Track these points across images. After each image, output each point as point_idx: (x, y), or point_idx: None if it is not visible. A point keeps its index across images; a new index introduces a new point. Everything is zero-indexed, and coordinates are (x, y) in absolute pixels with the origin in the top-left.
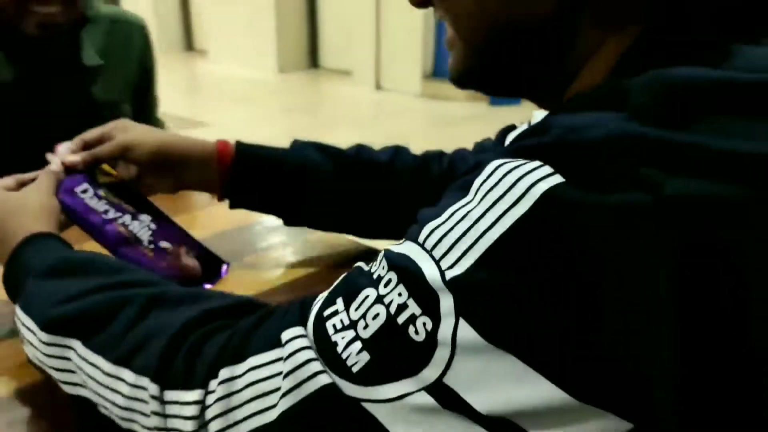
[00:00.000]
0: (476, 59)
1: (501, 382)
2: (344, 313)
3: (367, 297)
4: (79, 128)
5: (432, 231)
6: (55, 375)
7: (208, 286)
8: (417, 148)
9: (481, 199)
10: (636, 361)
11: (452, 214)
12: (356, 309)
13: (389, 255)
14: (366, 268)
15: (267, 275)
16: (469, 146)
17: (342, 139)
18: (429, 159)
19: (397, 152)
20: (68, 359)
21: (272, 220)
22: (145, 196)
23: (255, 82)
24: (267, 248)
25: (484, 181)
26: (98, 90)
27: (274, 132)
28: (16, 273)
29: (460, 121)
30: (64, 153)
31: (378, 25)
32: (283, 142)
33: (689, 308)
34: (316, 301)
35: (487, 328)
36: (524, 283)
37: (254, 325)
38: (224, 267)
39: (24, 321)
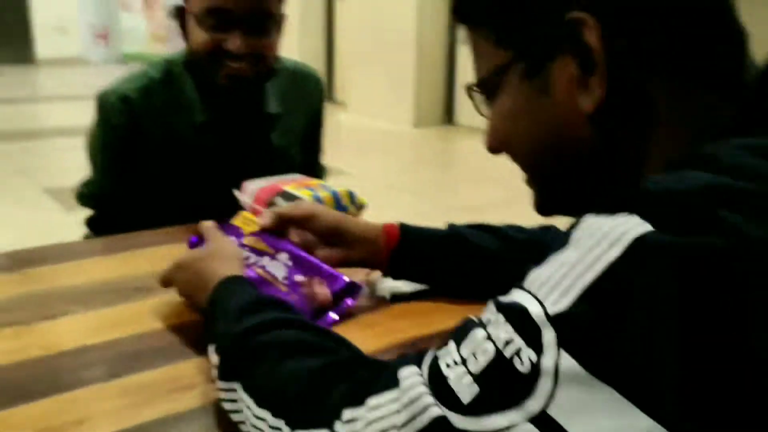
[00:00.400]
0: (547, 192)
1: (600, 413)
2: (455, 352)
3: (476, 337)
4: (257, 170)
5: (535, 277)
6: (233, 417)
7: (333, 314)
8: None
9: (578, 248)
10: (728, 393)
11: (553, 262)
12: (467, 348)
13: (497, 301)
14: (476, 318)
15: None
16: None
17: (474, 195)
18: None
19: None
20: (235, 401)
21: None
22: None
23: (391, 135)
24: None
25: (581, 233)
26: (275, 136)
27: (407, 183)
28: (212, 313)
29: None
30: (250, 195)
31: None
32: (416, 193)
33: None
34: (430, 350)
35: (587, 358)
36: (621, 319)
37: (375, 371)
38: (359, 291)
39: (212, 359)
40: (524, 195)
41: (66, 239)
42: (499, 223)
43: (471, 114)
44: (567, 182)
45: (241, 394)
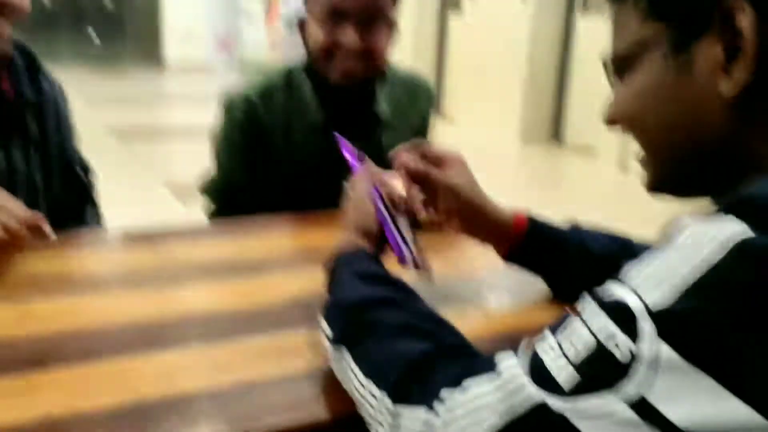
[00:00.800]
0: (664, 172)
1: (697, 400)
2: (551, 338)
3: (572, 324)
4: None
5: (636, 272)
6: (338, 376)
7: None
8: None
9: (682, 249)
10: None
11: (653, 260)
12: (562, 334)
13: (593, 293)
14: (571, 311)
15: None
16: None
17: (577, 215)
18: None
19: None
20: (342, 365)
21: None
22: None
23: (498, 150)
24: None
25: (682, 235)
26: (386, 139)
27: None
28: (334, 272)
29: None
30: (410, 159)
31: None
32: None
33: None
34: (528, 339)
35: (686, 349)
36: (721, 314)
37: (474, 358)
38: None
39: (323, 323)
40: (628, 216)
41: None
42: None
43: (578, 133)
44: (689, 165)
45: (349, 361)
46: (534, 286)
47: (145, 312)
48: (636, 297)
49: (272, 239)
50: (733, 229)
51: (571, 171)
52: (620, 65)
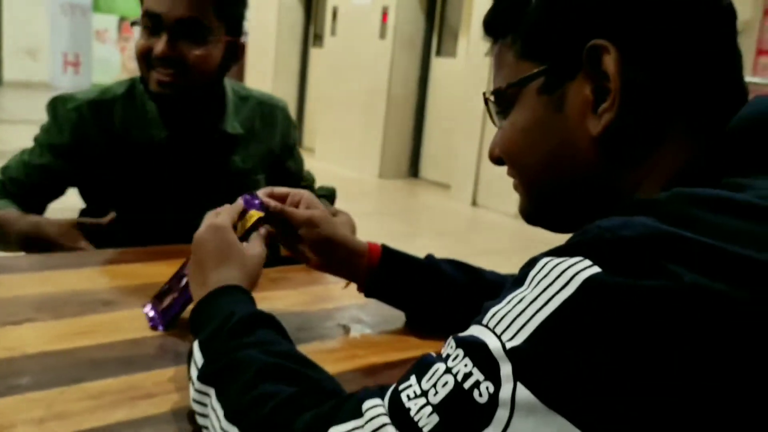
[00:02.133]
0: (540, 205)
1: None
2: (416, 385)
3: (437, 370)
4: (215, 191)
5: (494, 314)
6: (199, 421)
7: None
8: (506, 266)
9: (534, 287)
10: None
11: (510, 300)
12: (427, 380)
13: (457, 337)
14: (435, 353)
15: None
16: None
17: (434, 249)
18: None
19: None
20: (205, 405)
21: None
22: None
23: (356, 184)
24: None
25: (536, 273)
26: (237, 159)
27: (369, 233)
28: (203, 313)
29: (552, 244)
30: (264, 194)
31: (481, 143)
32: (376, 241)
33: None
34: (392, 386)
35: (541, 389)
36: (572, 352)
37: (339, 401)
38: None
39: (196, 360)
40: (483, 251)
41: None
42: None
43: (435, 169)
44: (561, 198)
45: (213, 402)
46: (394, 318)
47: None
48: (495, 337)
49: (127, 273)
50: (581, 266)
51: (426, 204)
52: (501, 102)
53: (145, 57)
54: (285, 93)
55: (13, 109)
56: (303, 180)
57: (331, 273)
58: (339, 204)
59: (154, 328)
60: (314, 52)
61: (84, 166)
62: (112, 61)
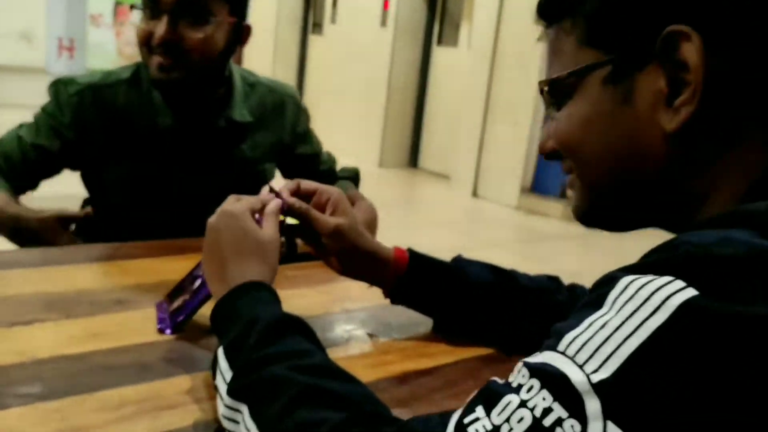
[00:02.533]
0: (599, 202)
1: None
2: (486, 419)
3: (509, 403)
4: (221, 180)
5: (572, 340)
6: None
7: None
8: (507, 258)
9: (618, 311)
10: None
11: (590, 324)
12: (498, 414)
13: (529, 364)
14: (501, 380)
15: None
16: (561, 264)
17: (433, 240)
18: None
19: (549, 281)
20: (237, 422)
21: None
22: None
23: None
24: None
25: (619, 294)
26: (246, 147)
27: None
28: (226, 315)
29: (553, 237)
30: (287, 193)
31: (483, 134)
32: (378, 233)
33: None
34: (453, 414)
35: (636, 429)
36: (671, 387)
37: (392, 428)
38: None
39: (223, 370)
40: (484, 242)
41: None
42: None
43: (435, 159)
44: (624, 196)
45: (247, 420)
46: (420, 320)
47: None
48: (577, 368)
49: (141, 269)
50: (673, 288)
51: (426, 195)
52: (557, 92)
53: (145, 42)
54: (284, 81)
55: (8, 93)
56: (322, 163)
57: (355, 279)
58: None
59: (161, 331)
60: (314, 40)
61: (85, 151)
62: (107, 45)
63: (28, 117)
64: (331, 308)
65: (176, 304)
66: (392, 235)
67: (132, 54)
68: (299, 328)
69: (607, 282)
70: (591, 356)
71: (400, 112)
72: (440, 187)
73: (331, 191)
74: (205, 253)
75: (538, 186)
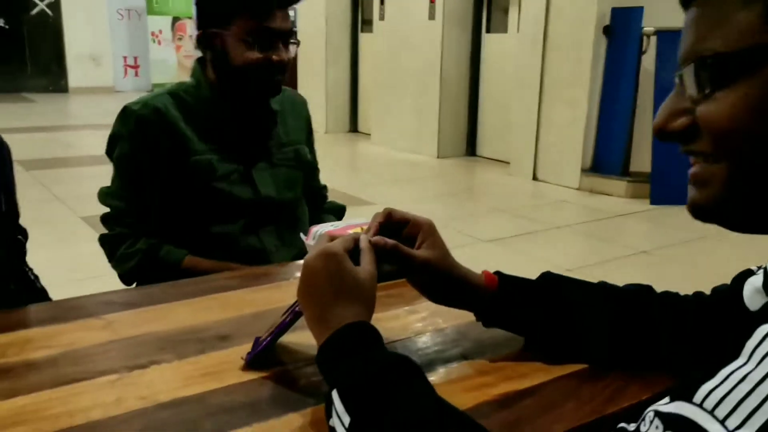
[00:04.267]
0: (738, 197)
1: None
2: None
3: None
4: (270, 155)
5: (710, 392)
6: None
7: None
8: (572, 239)
9: (759, 363)
10: None
11: (728, 376)
12: None
13: (663, 415)
14: (631, 428)
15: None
16: (628, 241)
17: (497, 226)
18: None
19: (641, 291)
20: None
21: None
22: None
23: (413, 165)
24: None
25: (758, 344)
26: (281, 131)
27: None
28: (333, 357)
29: (617, 217)
30: (374, 229)
31: (539, 117)
32: (439, 222)
33: None
34: None
35: None
36: None
37: None
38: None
39: (339, 412)
40: (546, 228)
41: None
42: (524, 252)
43: (492, 146)
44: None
45: None
46: (511, 338)
47: (103, 407)
48: (718, 424)
49: (235, 301)
50: None
51: (486, 182)
52: (722, 69)
53: (261, 67)
54: (338, 80)
55: (81, 114)
56: (318, 180)
57: (446, 305)
58: (400, 185)
59: (244, 362)
60: (364, 38)
61: (157, 156)
62: (168, 60)
63: (101, 135)
64: (422, 329)
65: (263, 337)
66: (456, 225)
67: (190, 66)
68: (410, 368)
69: (743, 328)
70: (732, 411)
71: (455, 101)
72: (500, 173)
73: (422, 223)
74: (303, 294)
75: (598, 165)
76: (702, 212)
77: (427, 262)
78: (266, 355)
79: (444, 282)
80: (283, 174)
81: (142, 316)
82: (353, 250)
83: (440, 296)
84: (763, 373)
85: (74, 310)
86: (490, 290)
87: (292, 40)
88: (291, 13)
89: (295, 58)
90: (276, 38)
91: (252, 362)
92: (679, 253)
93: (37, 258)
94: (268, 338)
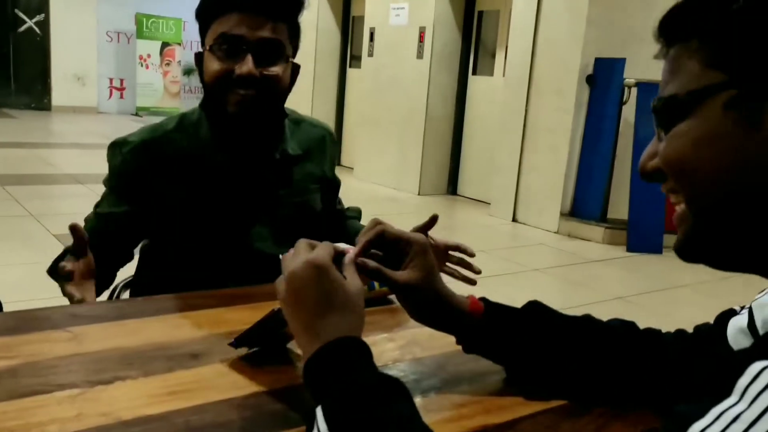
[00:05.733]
0: (708, 233)
1: None
2: None
3: None
4: (276, 210)
5: (699, 426)
6: None
7: None
8: (549, 283)
9: (751, 402)
10: None
11: (720, 416)
12: None
13: None
14: None
15: None
16: (604, 286)
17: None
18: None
19: (625, 327)
20: None
21: None
22: None
23: (394, 201)
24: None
25: (750, 383)
26: (296, 179)
27: None
28: (322, 372)
29: (594, 262)
30: (359, 246)
31: (521, 160)
32: None
33: None
34: None
35: None
36: None
37: None
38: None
39: (321, 427)
40: (524, 270)
41: None
42: (502, 294)
43: (474, 186)
44: (739, 228)
45: None
46: (491, 369)
47: (62, 422)
48: None
49: (212, 319)
50: None
51: (466, 221)
52: (672, 111)
53: (221, 79)
54: (324, 113)
55: (63, 133)
56: (339, 202)
57: (429, 326)
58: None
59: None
60: (352, 73)
61: (145, 202)
62: (155, 85)
63: (83, 155)
64: (401, 357)
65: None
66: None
67: (176, 92)
68: (399, 391)
69: (731, 367)
70: None
71: (438, 140)
72: (480, 213)
73: (413, 242)
74: (290, 304)
75: (578, 210)
76: (683, 252)
77: (410, 285)
78: (252, 340)
79: (428, 304)
80: (287, 228)
81: (110, 330)
82: (336, 260)
83: (423, 317)
84: (756, 413)
85: (39, 320)
86: (475, 316)
87: (274, 58)
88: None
89: (291, 81)
90: (241, 48)
91: (238, 341)
92: (654, 301)
93: (4, 275)
94: (255, 324)
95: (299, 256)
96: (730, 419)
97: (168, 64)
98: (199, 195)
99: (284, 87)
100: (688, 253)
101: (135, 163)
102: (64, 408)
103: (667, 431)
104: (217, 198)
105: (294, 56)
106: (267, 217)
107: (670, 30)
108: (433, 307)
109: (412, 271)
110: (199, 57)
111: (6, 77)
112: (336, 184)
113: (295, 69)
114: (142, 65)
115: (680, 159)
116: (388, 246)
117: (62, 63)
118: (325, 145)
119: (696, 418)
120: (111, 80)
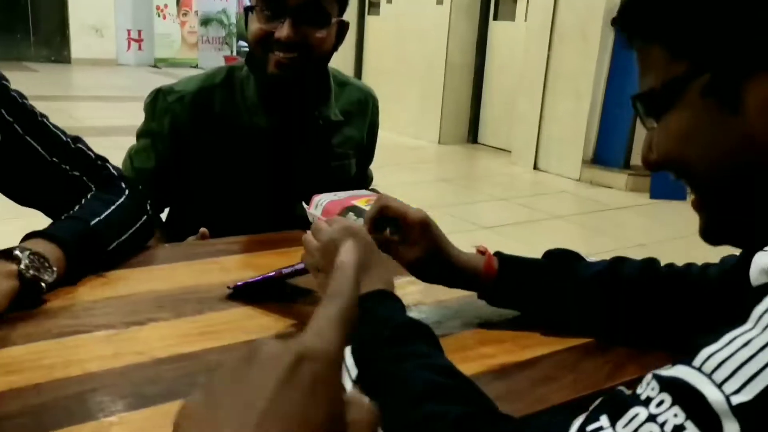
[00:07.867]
0: (719, 218)
1: None
2: (610, 429)
3: (636, 415)
4: (314, 175)
5: (710, 356)
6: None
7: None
8: (570, 230)
9: (765, 329)
10: None
11: (731, 341)
12: (624, 426)
13: (660, 377)
14: (628, 391)
15: None
16: (625, 234)
17: (496, 213)
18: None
19: (651, 265)
20: None
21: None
22: None
23: (415, 150)
24: None
25: (767, 310)
26: (336, 144)
27: (431, 199)
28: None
29: (616, 209)
30: (319, 208)
31: (543, 107)
32: (438, 208)
33: None
34: (574, 421)
35: None
36: None
37: (517, 429)
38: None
39: (349, 366)
40: (545, 218)
41: None
42: (523, 241)
43: (494, 134)
44: (747, 210)
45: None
46: (510, 311)
47: (100, 359)
48: (714, 387)
49: (237, 265)
50: None
51: (486, 170)
52: (653, 106)
53: (262, 41)
54: (342, 62)
55: (82, 86)
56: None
57: (452, 287)
58: (402, 170)
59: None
60: (370, 20)
61: (185, 156)
62: (173, 35)
63: (103, 107)
64: (423, 299)
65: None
66: (454, 211)
67: (194, 43)
68: (425, 333)
69: (755, 296)
70: (730, 376)
71: (459, 88)
72: (501, 162)
73: (412, 219)
74: (327, 263)
75: (600, 157)
76: (707, 237)
77: (416, 263)
78: (250, 293)
79: (440, 276)
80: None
81: (142, 274)
82: None
83: (436, 281)
84: (766, 339)
85: None
86: (490, 275)
87: (315, 22)
88: None
89: (339, 40)
90: (282, 12)
91: (234, 293)
92: (675, 248)
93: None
94: (259, 278)
95: (334, 226)
96: (740, 344)
97: (185, 14)
98: (239, 155)
99: (326, 50)
100: (711, 237)
101: (182, 115)
102: (101, 347)
103: (682, 359)
104: (257, 159)
105: (342, 14)
106: (305, 181)
107: (630, 23)
108: (445, 277)
109: (417, 249)
110: (247, 12)
111: (26, 30)
112: (370, 153)
113: (342, 27)
114: (159, 15)
115: (673, 157)
116: (391, 220)
117: (80, 14)
118: (367, 109)
119: (708, 344)
120: (129, 31)
